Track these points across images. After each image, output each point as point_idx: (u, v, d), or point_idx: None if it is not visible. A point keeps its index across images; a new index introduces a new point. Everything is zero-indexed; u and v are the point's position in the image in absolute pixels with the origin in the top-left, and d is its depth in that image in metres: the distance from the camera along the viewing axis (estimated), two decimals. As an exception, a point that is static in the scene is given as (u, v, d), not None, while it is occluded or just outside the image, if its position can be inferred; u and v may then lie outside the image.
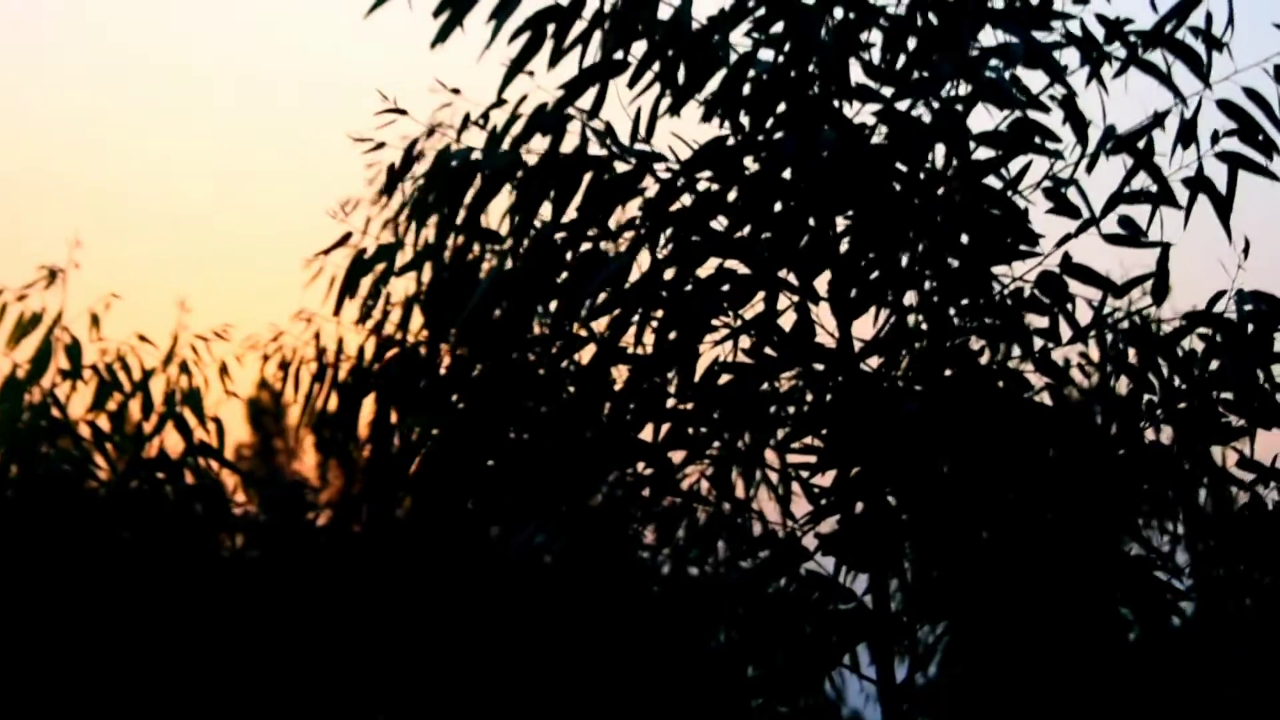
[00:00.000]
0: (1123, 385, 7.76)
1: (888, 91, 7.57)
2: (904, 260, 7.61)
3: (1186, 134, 7.53)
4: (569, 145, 7.73)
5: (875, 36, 7.73)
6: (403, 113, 8.01)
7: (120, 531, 10.11)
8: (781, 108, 7.65)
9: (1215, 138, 7.51)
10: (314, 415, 9.37)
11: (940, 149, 7.62)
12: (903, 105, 7.59)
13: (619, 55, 7.55)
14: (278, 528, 10.24)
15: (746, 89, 7.62)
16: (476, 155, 7.74)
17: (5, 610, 9.85)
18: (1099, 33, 7.67)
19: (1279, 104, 7.49)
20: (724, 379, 7.78)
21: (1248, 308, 7.51)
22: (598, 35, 7.62)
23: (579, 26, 7.61)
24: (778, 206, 7.66)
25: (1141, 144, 7.58)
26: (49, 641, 9.76)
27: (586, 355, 8.01)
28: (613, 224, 7.84)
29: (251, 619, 9.90)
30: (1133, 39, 7.61)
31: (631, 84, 7.57)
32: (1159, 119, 7.56)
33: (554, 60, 7.58)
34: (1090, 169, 7.67)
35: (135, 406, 10.52)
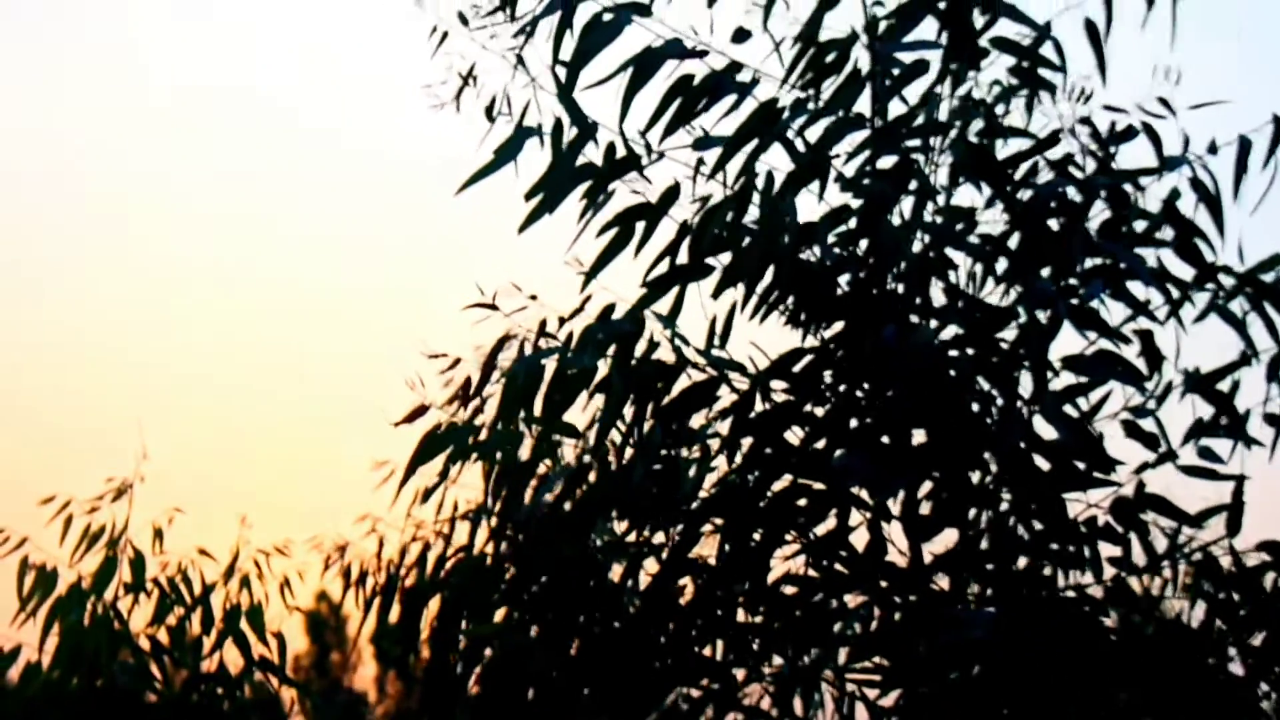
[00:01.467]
0: (1198, 613, 7.68)
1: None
2: (977, 481, 7.61)
3: (1273, 372, 7.65)
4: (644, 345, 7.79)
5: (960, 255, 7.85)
6: (495, 308, 8.03)
7: None
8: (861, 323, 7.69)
9: None
10: (375, 626, 9.25)
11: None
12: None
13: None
14: None
15: (827, 301, 7.72)
16: (552, 361, 7.81)
17: None
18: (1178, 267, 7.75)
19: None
20: (791, 592, 7.75)
21: None
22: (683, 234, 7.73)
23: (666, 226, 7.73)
24: (854, 423, 7.67)
25: (1226, 383, 7.67)
26: None
27: (652, 565, 8.00)
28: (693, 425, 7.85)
29: None
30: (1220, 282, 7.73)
31: (716, 294, 7.68)
32: (1245, 360, 7.67)
33: (638, 251, 7.71)
34: (1159, 402, 7.73)
35: (195, 620, 10.37)
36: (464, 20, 7.89)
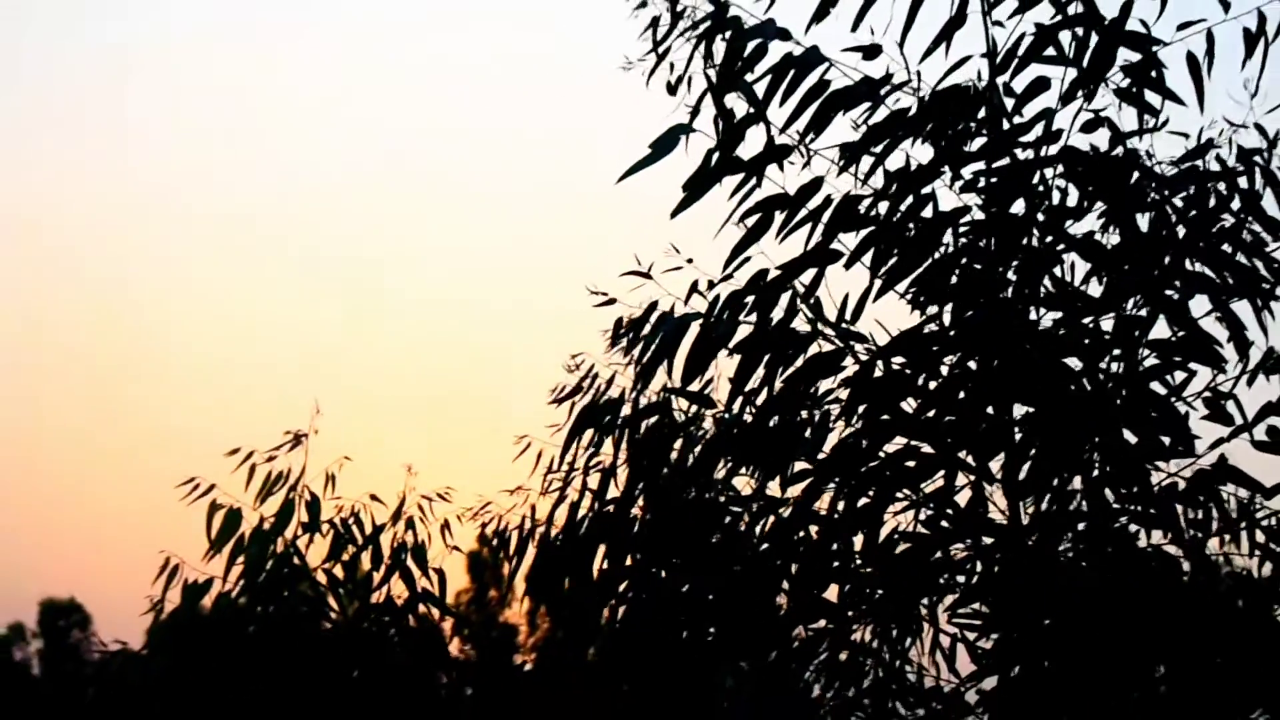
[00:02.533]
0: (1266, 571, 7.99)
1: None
2: (1072, 450, 7.86)
3: None
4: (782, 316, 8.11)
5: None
6: (648, 276, 8.42)
7: (350, 668, 10.43)
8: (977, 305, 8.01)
9: None
10: (528, 570, 9.52)
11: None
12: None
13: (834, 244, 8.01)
14: (488, 668, 10.60)
15: (948, 282, 8.02)
16: (697, 322, 8.17)
17: None
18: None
19: None
20: (903, 547, 8.05)
21: None
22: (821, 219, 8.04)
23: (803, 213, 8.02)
24: (961, 394, 8.02)
25: None
26: None
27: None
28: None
29: None
30: None
31: (848, 266, 8.00)
32: None
33: (782, 234, 8.03)
34: (1250, 383, 8.07)
35: (366, 558, 10.74)
36: (656, 39, 8.29)
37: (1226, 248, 8.04)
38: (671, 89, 8.19)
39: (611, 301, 8.64)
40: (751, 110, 8.00)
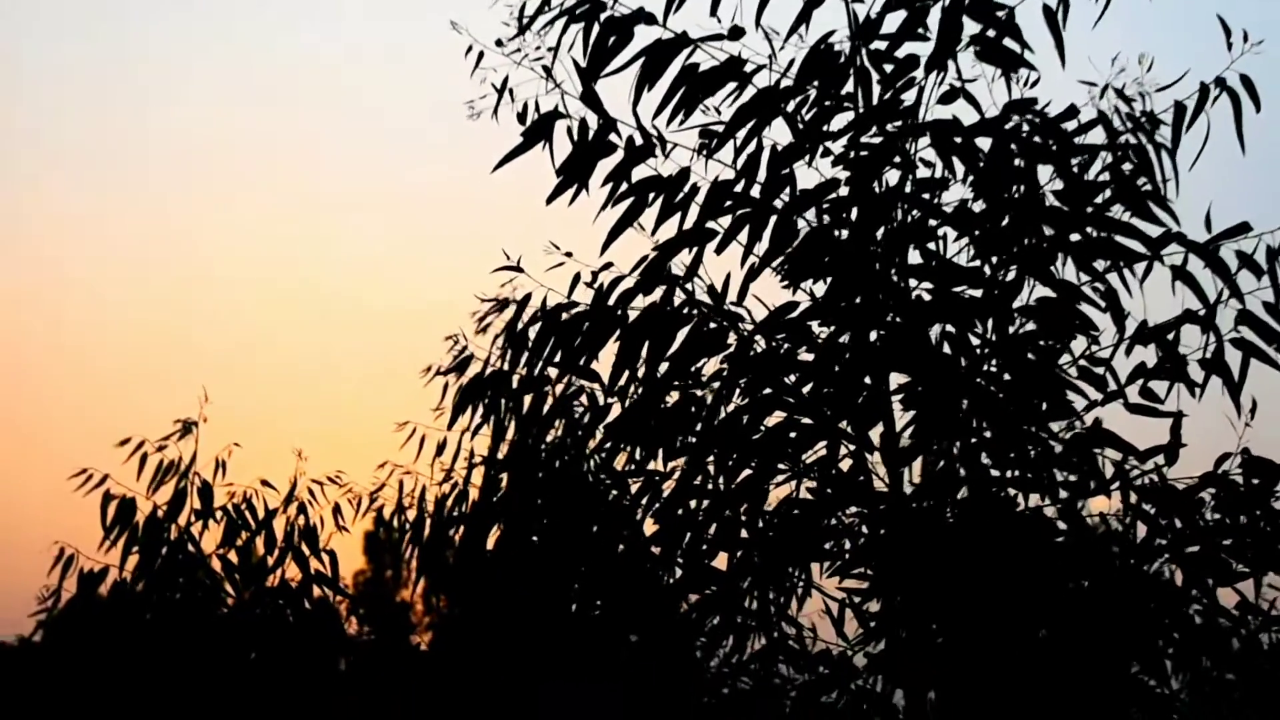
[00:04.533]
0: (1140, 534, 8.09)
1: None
2: (948, 417, 8.00)
3: (1206, 324, 8.00)
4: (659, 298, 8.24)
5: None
6: (520, 270, 8.64)
7: (246, 651, 10.51)
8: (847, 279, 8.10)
9: (1239, 319, 7.93)
10: (416, 549, 9.84)
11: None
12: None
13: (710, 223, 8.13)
14: (383, 648, 10.71)
15: (818, 258, 8.12)
16: (583, 308, 8.36)
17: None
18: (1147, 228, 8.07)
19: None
20: (787, 515, 8.18)
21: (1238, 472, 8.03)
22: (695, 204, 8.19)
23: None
24: (838, 367, 8.10)
25: (1172, 335, 8.03)
26: None
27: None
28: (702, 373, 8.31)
29: None
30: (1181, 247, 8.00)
31: (719, 250, 8.14)
32: (1189, 315, 8.03)
33: (658, 224, 8.17)
34: (1129, 353, 8.12)
35: (259, 542, 10.83)
36: (499, 44, 8.44)
37: (1097, 218, 8.13)
38: (522, 117, 8.40)
39: (504, 304, 8.83)
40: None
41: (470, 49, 8.52)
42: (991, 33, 8.14)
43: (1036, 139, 8.16)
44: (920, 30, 8.18)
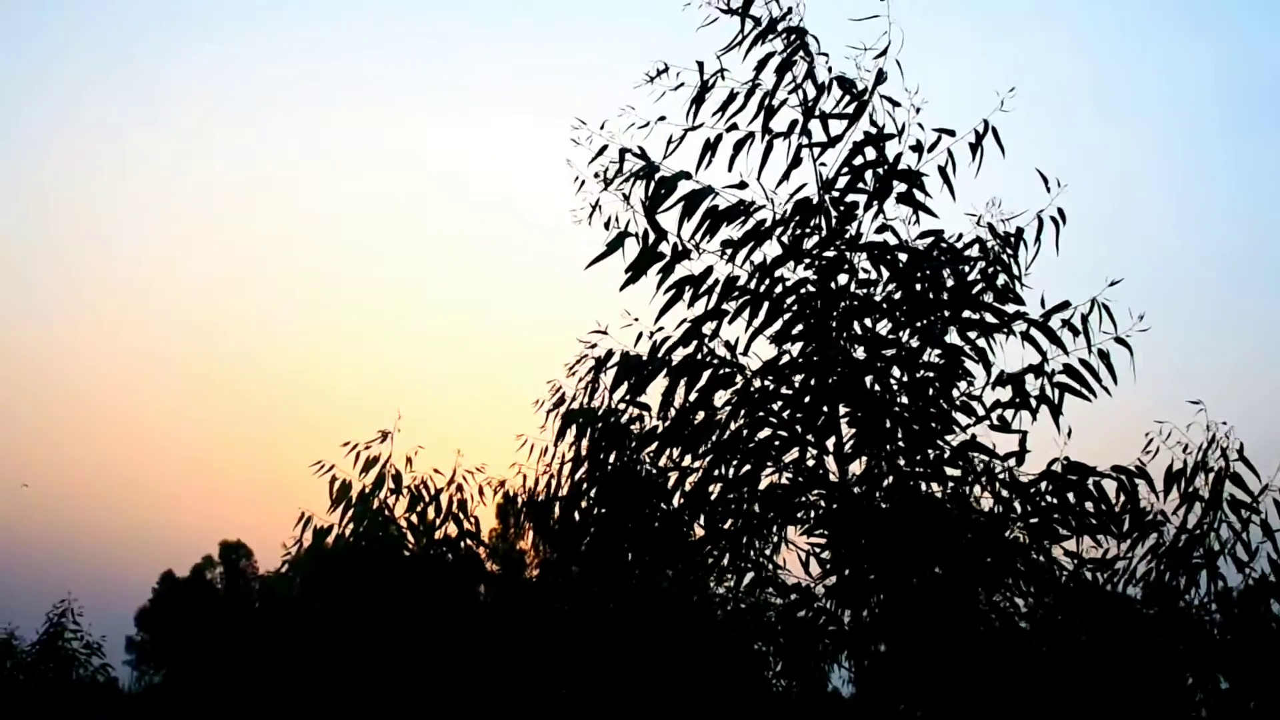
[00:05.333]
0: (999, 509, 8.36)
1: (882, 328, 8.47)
2: (876, 432, 8.26)
3: (1039, 372, 8.29)
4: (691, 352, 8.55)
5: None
6: (604, 333, 9.08)
7: (421, 581, 11.00)
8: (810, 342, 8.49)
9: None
10: (533, 516, 9.88)
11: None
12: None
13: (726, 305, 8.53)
14: (507, 580, 11.06)
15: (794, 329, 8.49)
16: (641, 356, 8.75)
17: (364, 622, 10.76)
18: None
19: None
20: (773, 494, 8.47)
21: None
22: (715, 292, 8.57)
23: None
24: (806, 399, 8.45)
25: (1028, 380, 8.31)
26: (383, 643, 10.70)
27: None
28: (717, 401, 8.64)
29: (491, 632, 10.73)
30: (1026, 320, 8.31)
31: (730, 321, 8.54)
32: (1034, 368, 8.30)
33: (690, 304, 8.60)
34: (994, 388, 8.34)
35: (431, 510, 11.31)
36: (605, 182, 8.77)
37: (971, 303, 8.45)
38: (606, 225, 8.78)
39: (593, 346, 9.21)
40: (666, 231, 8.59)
41: (578, 178, 8.84)
42: (904, 186, 8.62)
43: (936, 255, 8.52)
44: (860, 185, 8.65)
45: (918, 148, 8.61)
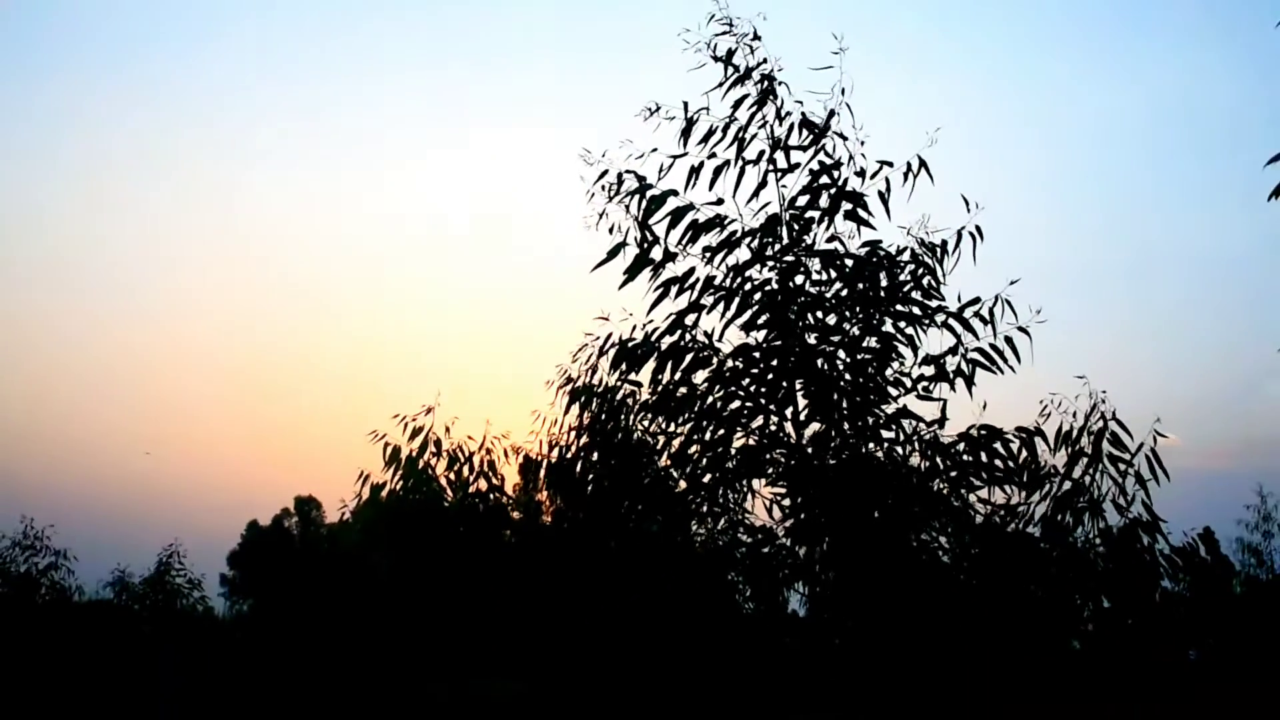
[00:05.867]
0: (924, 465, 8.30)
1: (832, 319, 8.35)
2: (826, 402, 8.22)
3: (956, 353, 8.26)
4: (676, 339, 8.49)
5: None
6: (606, 319, 8.96)
7: (458, 527, 11.05)
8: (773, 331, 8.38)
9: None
10: (547, 475, 9.83)
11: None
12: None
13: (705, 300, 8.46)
14: (527, 526, 11.10)
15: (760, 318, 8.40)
16: (636, 342, 8.69)
17: (411, 561, 10.81)
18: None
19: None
20: (744, 453, 8.39)
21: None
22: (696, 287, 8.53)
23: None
24: (770, 376, 8.40)
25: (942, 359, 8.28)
26: (427, 577, 10.72)
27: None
28: (697, 379, 8.56)
29: (514, 571, 10.78)
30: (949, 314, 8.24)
31: (708, 313, 8.50)
32: (953, 350, 8.23)
33: (676, 299, 8.53)
34: (921, 367, 8.31)
35: (466, 469, 11.41)
36: (609, 197, 8.68)
37: (903, 299, 8.41)
38: (610, 230, 8.74)
39: (595, 337, 9.09)
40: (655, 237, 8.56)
41: (589, 193, 8.74)
42: (850, 205, 8.56)
43: (875, 260, 8.50)
44: (815, 204, 8.57)
45: (861, 174, 8.59)
